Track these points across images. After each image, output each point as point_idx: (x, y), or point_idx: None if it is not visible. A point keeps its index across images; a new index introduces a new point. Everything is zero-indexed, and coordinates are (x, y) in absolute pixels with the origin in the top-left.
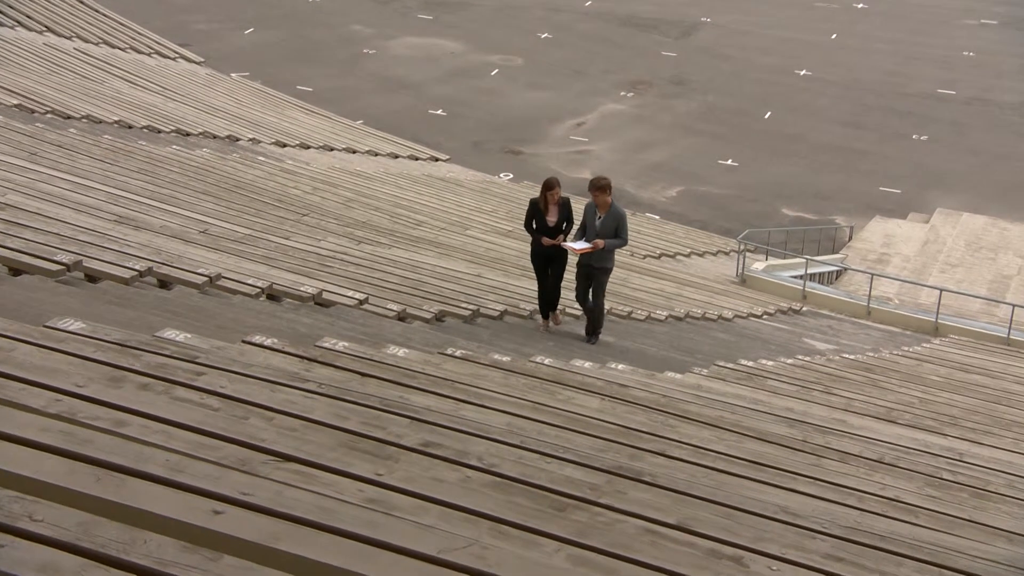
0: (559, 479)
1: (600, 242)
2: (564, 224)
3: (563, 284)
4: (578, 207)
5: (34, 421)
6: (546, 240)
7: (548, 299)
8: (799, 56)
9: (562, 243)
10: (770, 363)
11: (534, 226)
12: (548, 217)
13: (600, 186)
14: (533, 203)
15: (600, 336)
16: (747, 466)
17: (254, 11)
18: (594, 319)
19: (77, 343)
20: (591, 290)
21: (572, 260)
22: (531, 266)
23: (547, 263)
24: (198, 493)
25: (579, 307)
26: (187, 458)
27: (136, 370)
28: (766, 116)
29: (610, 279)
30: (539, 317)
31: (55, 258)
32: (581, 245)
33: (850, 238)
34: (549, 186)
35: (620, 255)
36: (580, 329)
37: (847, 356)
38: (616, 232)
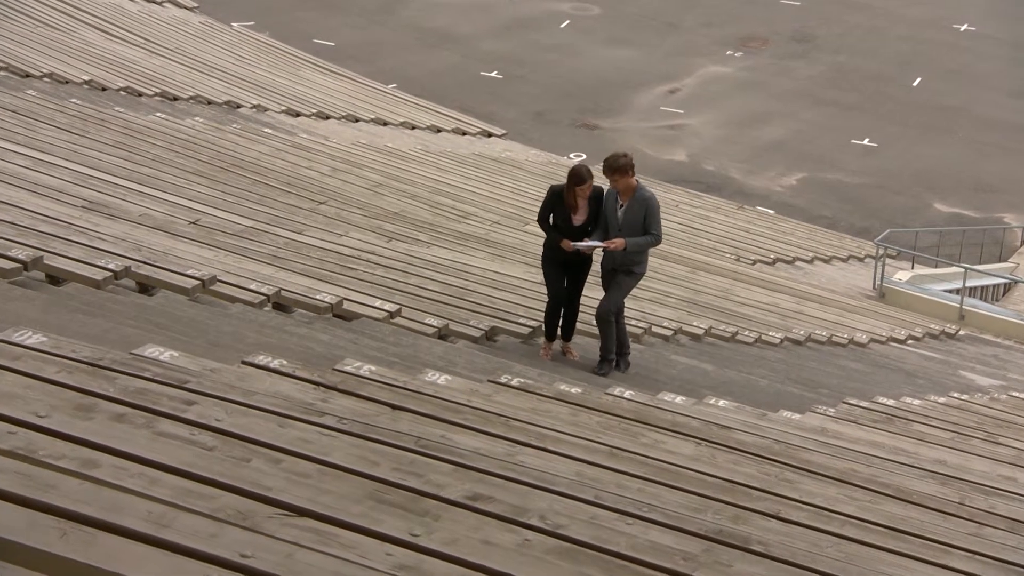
0: (643, 546)
1: (620, 242)
2: (592, 225)
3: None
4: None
5: None
6: (567, 243)
7: (564, 322)
8: (957, 6)
9: (572, 244)
10: (916, 402)
11: (551, 222)
12: (575, 216)
13: (618, 167)
14: (555, 194)
15: (627, 361)
16: (886, 534)
17: None
18: (606, 336)
19: (36, 361)
20: (608, 291)
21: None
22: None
23: (564, 272)
24: (187, 554)
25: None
26: (174, 509)
27: (110, 396)
28: (914, 83)
29: (710, 291)
30: (543, 339)
31: (9, 253)
32: (592, 243)
33: (1022, 243)
34: (580, 179)
35: (708, 256)
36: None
37: (1017, 395)
38: (644, 225)
